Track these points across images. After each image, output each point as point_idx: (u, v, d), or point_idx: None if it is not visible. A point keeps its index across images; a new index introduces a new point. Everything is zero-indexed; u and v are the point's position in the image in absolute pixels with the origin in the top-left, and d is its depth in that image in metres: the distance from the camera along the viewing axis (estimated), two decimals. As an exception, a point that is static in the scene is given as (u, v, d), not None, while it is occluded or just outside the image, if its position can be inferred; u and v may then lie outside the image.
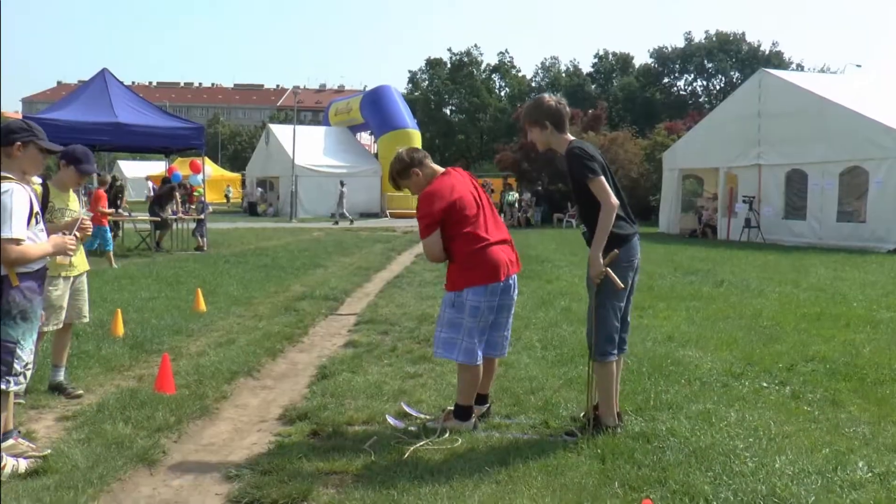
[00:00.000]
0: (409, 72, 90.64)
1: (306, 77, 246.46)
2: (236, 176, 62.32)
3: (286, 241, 23.68)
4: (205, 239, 20.08)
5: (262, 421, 5.79)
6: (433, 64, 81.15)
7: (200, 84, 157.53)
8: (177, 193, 20.88)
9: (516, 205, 36.87)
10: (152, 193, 30.03)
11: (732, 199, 26.50)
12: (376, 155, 45.90)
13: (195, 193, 23.94)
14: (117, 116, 17.99)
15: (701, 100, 75.73)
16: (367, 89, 48.48)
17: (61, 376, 6.36)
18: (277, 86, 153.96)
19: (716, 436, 5.02)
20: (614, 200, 4.90)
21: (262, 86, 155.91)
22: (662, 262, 17.11)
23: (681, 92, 77.75)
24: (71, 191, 6.36)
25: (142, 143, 20.22)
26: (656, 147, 37.14)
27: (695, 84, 78.27)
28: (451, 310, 5.25)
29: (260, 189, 48.06)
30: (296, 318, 9.97)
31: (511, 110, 65.33)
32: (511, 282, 5.40)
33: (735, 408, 5.70)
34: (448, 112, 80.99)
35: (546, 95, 5.27)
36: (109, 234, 16.01)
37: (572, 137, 5.21)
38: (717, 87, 75.64)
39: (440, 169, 5.50)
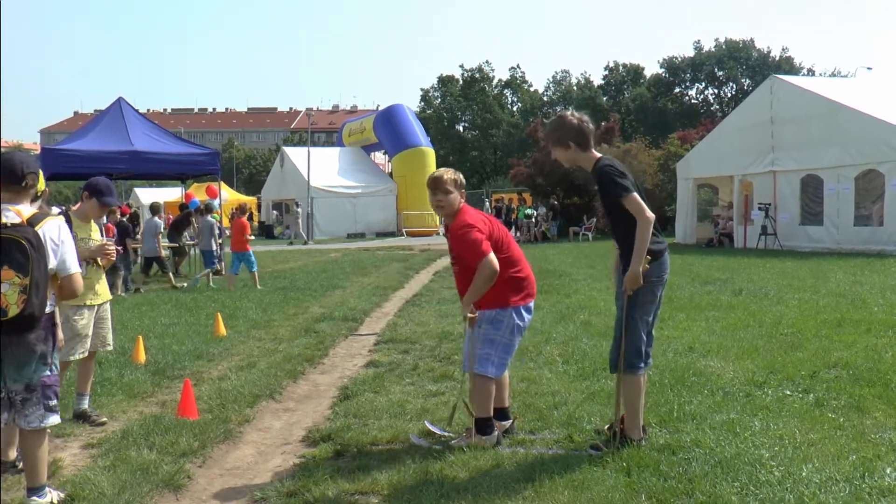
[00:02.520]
0: (422, 90, 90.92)
1: (319, 98, 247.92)
2: (252, 199, 62.63)
3: (303, 262, 23.75)
4: (222, 263, 20.14)
5: (286, 443, 5.80)
6: (445, 81, 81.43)
7: (214, 109, 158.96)
8: (193, 219, 20.98)
9: (533, 219, 36.82)
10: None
11: (748, 206, 26.38)
12: (391, 174, 46.03)
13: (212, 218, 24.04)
14: (133, 144, 18.12)
15: (713, 108, 75.57)
16: (380, 109, 48.68)
17: (86, 404, 6.41)
18: (291, 108, 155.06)
19: (741, 446, 4.99)
20: (650, 214, 4.90)
21: (276, 109, 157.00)
22: (680, 272, 17.03)
23: (692, 101, 77.60)
24: (92, 221, 6.43)
25: (158, 171, 20.33)
26: (670, 157, 37.01)
27: (706, 92, 78.13)
28: (489, 326, 5.33)
29: (276, 212, 48.30)
30: (316, 339, 9.99)
31: (524, 125, 65.37)
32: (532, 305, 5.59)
33: (759, 417, 5.67)
34: (461, 129, 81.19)
35: (568, 113, 5.23)
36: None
37: (598, 154, 5.19)
38: (729, 95, 75.45)
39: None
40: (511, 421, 5.65)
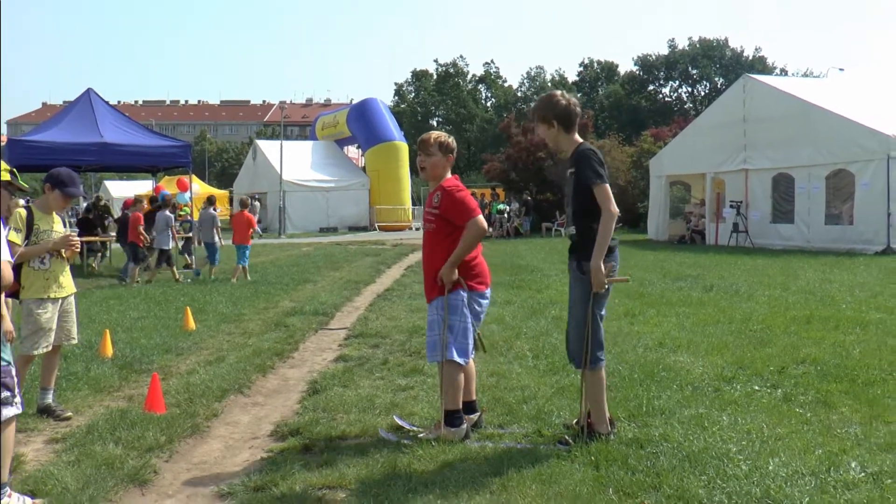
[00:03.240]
0: (396, 84, 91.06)
1: (293, 92, 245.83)
2: (224, 193, 62.21)
3: (274, 256, 23.63)
4: (192, 257, 20.00)
5: (254, 438, 5.76)
6: (419, 76, 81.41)
7: (186, 101, 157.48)
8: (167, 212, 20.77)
9: (505, 214, 36.89)
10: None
11: (720, 204, 26.61)
12: (364, 168, 45.92)
13: (181, 212, 23.87)
14: (103, 136, 17.95)
15: (686, 106, 76.14)
16: (354, 102, 48.54)
17: (50, 399, 6.33)
18: (264, 101, 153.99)
19: (709, 440, 5.03)
20: (615, 209, 4.91)
21: (249, 101, 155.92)
22: (652, 268, 17.15)
23: (666, 99, 78.17)
24: (55, 213, 6.33)
25: (128, 163, 20.20)
26: (643, 154, 37.25)
27: (680, 90, 78.76)
28: (440, 312, 5.34)
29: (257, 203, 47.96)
30: (286, 333, 9.95)
31: (498, 120, 65.49)
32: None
33: (727, 412, 5.71)
34: (435, 123, 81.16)
35: (558, 92, 5.22)
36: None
37: (581, 139, 5.20)
38: (702, 93, 76.08)
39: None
40: (479, 414, 5.66)
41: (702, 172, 27.41)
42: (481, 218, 5.28)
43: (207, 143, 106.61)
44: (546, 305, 11.56)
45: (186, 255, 19.97)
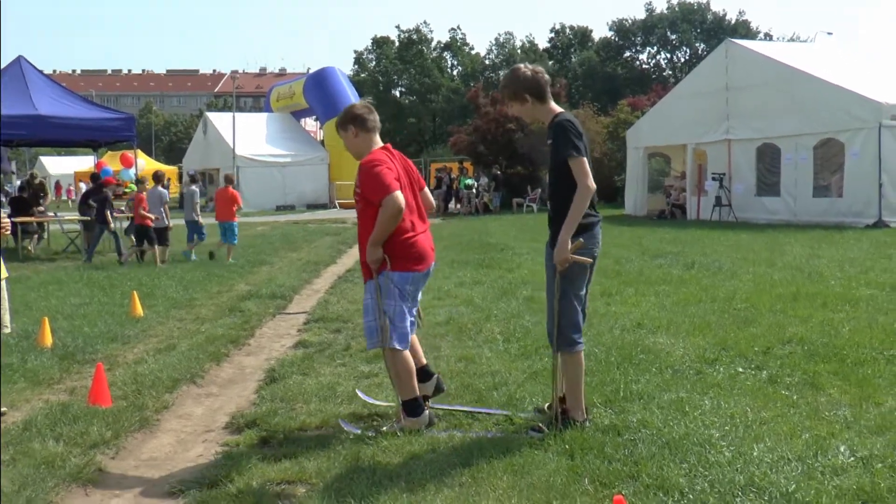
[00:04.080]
0: (355, 52, 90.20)
1: (245, 60, 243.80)
2: (172, 169, 61.59)
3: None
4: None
5: (208, 431, 5.73)
6: (380, 43, 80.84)
7: (130, 71, 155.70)
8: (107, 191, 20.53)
9: (474, 190, 36.89)
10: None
11: (701, 176, 26.82)
12: (322, 142, 45.63)
13: (127, 190, 23.61)
14: (37, 108, 17.66)
15: (665, 73, 76.46)
16: (311, 72, 48.15)
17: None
18: (214, 71, 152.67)
19: (690, 426, 5.07)
20: (591, 184, 4.93)
21: (198, 71, 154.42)
22: (629, 245, 17.24)
23: (643, 66, 78.38)
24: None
25: (66, 137, 19.92)
26: (619, 124, 37.38)
27: (658, 57, 79.01)
28: (374, 294, 5.32)
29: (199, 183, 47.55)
30: (241, 319, 9.90)
31: (465, 90, 65.29)
32: (431, 269, 5.57)
33: (709, 395, 5.77)
34: (398, 94, 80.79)
35: (521, 66, 5.23)
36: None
37: (558, 108, 5.21)
38: (682, 60, 76.41)
39: (379, 143, 5.55)
40: (435, 376, 5.69)
41: (682, 143, 27.57)
42: (397, 195, 5.13)
43: (153, 115, 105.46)
44: (518, 286, 11.59)
45: (132, 237, 19.72)
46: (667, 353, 7.11)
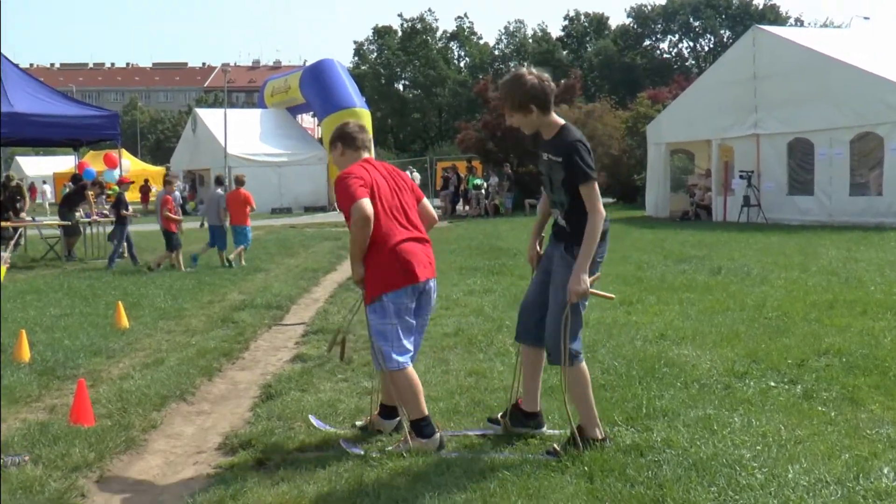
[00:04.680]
0: (355, 43, 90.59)
1: (237, 53, 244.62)
2: (159, 170, 61.78)
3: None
4: (129, 245, 19.81)
5: (199, 452, 5.73)
6: (382, 33, 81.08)
7: (113, 64, 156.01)
8: (88, 193, 20.59)
9: (483, 191, 36.88)
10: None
11: (728, 174, 26.77)
12: (321, 140, 45.65)
13: (110, 192, 23.68)
14: (13, 105, 17.70)
15: (688, 63, 76.51)
16: (308, 65, 48.22)
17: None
18: (204, 64, 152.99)
19: (718, 445, 5.05)
20: (603, 209, 5.03)
21: (186, 64, 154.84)
22: (651, 249, 17.22)
23: (664, 55, 78.47)
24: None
25: (45, 136, 19.95)
26: (639, 119, 37.33)
27: (680, 45, 79.13)
28: (374, 316, 5.39)
29: (186, 184, 47.55)
30: (234, 330, 9.90)
31: (472, 83, 65.37)
32: (431, 285, 5.58)
33: (739, 412, 5.75)
34: (401, 87, 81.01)
35: (525, 72, 5.16)
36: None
37: (561, 120, 5.22)
38: (706, 49, 76.44)
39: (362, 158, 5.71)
40: (397, 419, 5.77)
41: (707, 139, 27.54)
42: (362, 202, 5.20)
43: (139, 112, 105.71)
44: (532, 294, 11.55)
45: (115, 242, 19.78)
46: (692, 367, 7.09)
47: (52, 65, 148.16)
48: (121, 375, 7.74)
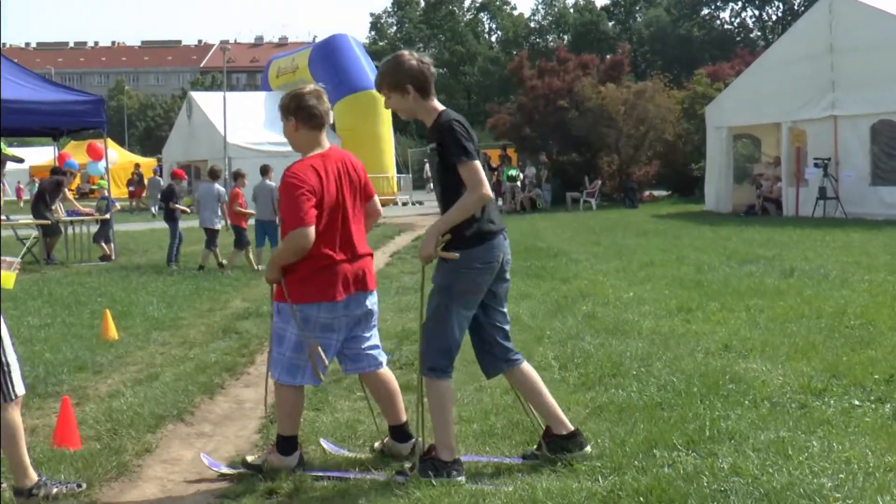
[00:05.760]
0: (371, 15, 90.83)
1: (237, 29, 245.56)
2: (150, 161, 62.23)
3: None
4: (111, 245, 19.98)
5: (200, 479, 5.76)
6: (402, 4, 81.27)
7: (97, 43, 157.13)
8: (65, 188, 20.69)
9: (518, 183, 36.85)
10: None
11: (800, 163, 26.59)
12: (333, 126, 45.78)
13: (95, 186, 23.85)
14: (-16, 90, 17.86)
15: (753, 35, 76.04)
16: (317, 41, 48.38)
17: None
18: (200, 41, 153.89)
19: (794, 473, 5.03)
20: (487, 192, 5.23)
21: (180, 42, 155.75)
22: (711, 248, 17.16)
23: (726, 26, 78.04)
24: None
25: (20, 124, 19.97)
26: (696, 99, 37.16)
27: (744, 14, 78.62)
28: (277, 317, 5.62)
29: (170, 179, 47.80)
30: (238, 342, 9.96)
31: (505, 60, 65.35)
32: (358, 298, 5.70)
33: (818, 435, 5.72)
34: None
35: (406, 53, 5.59)
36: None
37: (441, 107, 5.53)
38: (774, 18, 75.96)
39: (326, 145, 5.79)
40: (413, 441, 5.84)
41: (775, 122, 27.40)
42: (307, 232, 5.36)
43: (126, 96, 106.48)
44: (575, 300, 11.57)
45: (102, 244, 19.94)
46: (762, 383, 7.06)
47: (28, 45, 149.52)
48: (110, 393, 7.80)
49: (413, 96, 5.46)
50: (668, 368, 7.59)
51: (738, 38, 74.13)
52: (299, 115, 5.72)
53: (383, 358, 5.99)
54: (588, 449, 5.55)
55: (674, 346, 8.47)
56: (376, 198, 6.00)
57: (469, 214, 5.23)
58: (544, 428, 5.64)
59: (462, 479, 5.26)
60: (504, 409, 6.65)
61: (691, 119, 36.74)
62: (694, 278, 12.95)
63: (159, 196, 20.97)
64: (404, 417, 5.93)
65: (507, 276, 5.60)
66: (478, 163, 5.26)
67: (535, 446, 5.71)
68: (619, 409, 6.46)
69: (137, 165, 49.77)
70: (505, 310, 5.65)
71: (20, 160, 6.65)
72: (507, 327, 5.66)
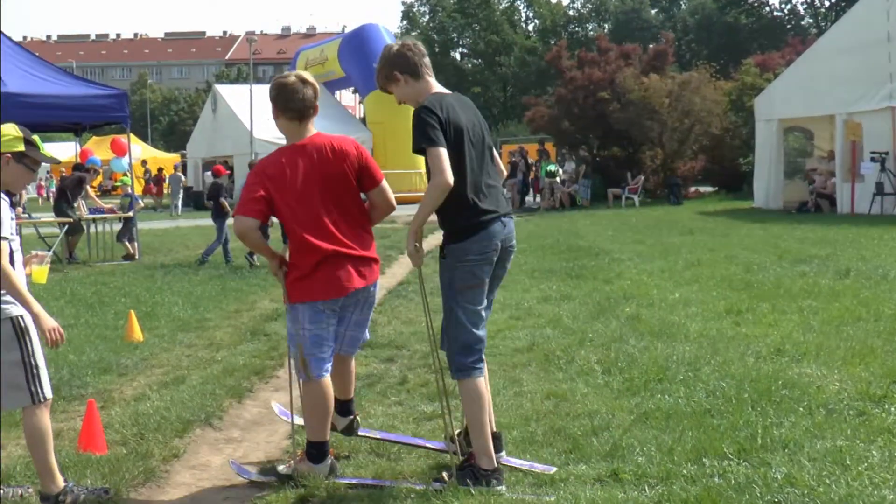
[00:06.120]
0: (403, 4, 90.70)
1: (263, 19, 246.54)
2: (174, 157, 62.64)
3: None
4: (135, 243, 20.10)
5: (230, 486, 5.80)
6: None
7: (119, 36, 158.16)
8: (87, 186, 20.84)
9: (557, 178, 36.76)
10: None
11: (856, 157, 26.38)
12: (363, 119, 45.87)
13: (118, 183, 24.00)
14: (6, 84, 17.96)
15: (804, 22, 75.49)
16: (347, 31, 48.47)
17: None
18: (225, 33, 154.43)
19: (853, 484, 5.01)
20: (448, 179, 5.23)
21: (204, 34, 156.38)
22: (762, 247, 17.06)
23: (775, 13, 77.53)
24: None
25: (41, 119, 20.08)
26: (745, 90, 36.96)
27: (795, 0, 78.05)
28: (287, 317, 5.75)
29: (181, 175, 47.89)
30: (267, 344, 10.00)
31: (543, 50, 65.24)
32: (359, 292, 5.84)
33: (878, 444, 5.69)
34: (458, 56, 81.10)
35: (390, 45, 5.80)
36: None
37: (438, 89, 5.70)
38: (827, 4, 75.37)
39: (309, 132, 5.76)
40: (352, 417, 6.05)
41: (829, 114, 27.19)
42: (239, 220, 5.55)
43: (149, 90, 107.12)
44: (618, 301, 11.54)
45: (126, 242, 20.06)
46: (817, 388, 7.02)
47: (49, 37, 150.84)
48: (135, 396, 7.87)
49: (404, 81, 5.64)
50: (716, 373, 7.55)
51: (788, 26, 73.64)
52: (278, 102, 5.74)
53: (367, 336, 6.22)
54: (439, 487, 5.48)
55: (723, 350, 8.43)
56: (387, 189, 5.96)
57: (435, 203, 5.30)
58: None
59: (502, 487, 5.26)
60: (545, 416, 6.65)
61: (739, 111, 36.54)
62: (743, 279, 12.88)
63: (206, 194, 21.07)
64: (352, 395, 6.15)
65: (508, 264, 5.77)
66: (440, 149, 5.27)
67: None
68: (665, 415, 6.43)
69: (161, 169, 49.93)
70: (492, 296, 5.80)
71: (57, 161, 6.70)
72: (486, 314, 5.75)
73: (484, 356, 5.58)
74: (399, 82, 5.64)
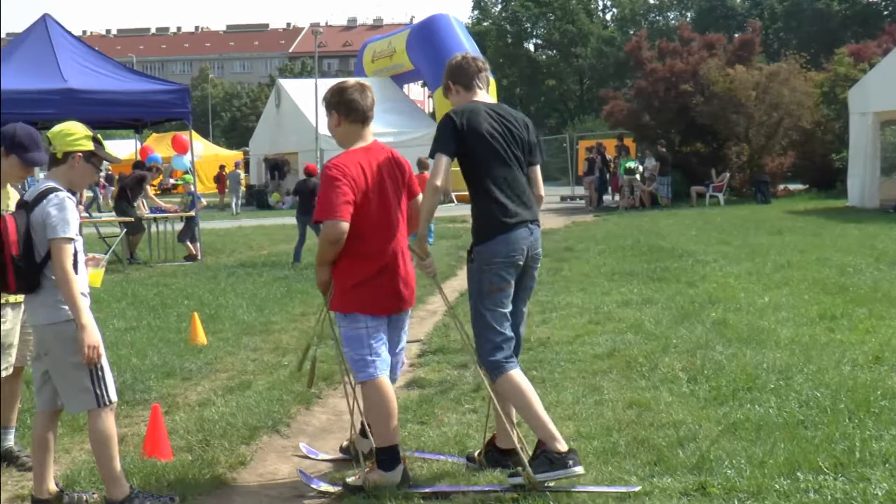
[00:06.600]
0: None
1: (329, 10, 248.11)
2: (236, 154, 63.24)
3: (313, 241, 23.86)
4: (197, 244, 20.31)
5: (299, 496, 5.85)
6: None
7: (179, 29, 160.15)
8: (148, 184, 21.09)
9: (637, 176, 36.52)
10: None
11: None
12: (433, 114, 45.91)
13: (179, 182, 24.22)
14: (67, 80, 18.20)
15: (902, 9, 74.23)
16: (416, 22, 48.56)
17: (11, 441, 6.49)
18: (289, 25, 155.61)
19: (963, 500, 4.93)
20: (434, 183, 5.65)
21: (268, 26, 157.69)
22: (857, 249, 16.84)
23: None
24: (9, 187, 6.44)
25: (102, 116, 20.39)
26: (838, 82, 36.47)
27: (892, -13, 76.83)
28: (345, 321, 5.82)
29: (271, 172, 48.38)
30: (334, 349, 10.00)
31: (622, 40, 64.89)
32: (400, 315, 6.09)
33: None
34: (531, 48, 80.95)
35: (457, 55, 6.17)
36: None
37: (485, 99, 6.04)
38: (926, -10, 74.12)
39: (370, 139, 6.00)
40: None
41: (930, 106, 26.80)
42: (339, 225, 5.56)
43: (210, 85, 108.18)
44: (703, 305, 11.45)
45: (188, 242, 20.27)
46: (920, 399, 6.92)
47: (108, 31, 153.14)
48: (200, 401, 7.98)
49: (456, 91, 6.10)
50: (810, 382, 7.46)
51: (885, 13, 72.46)
52: (340, 109, 5.94)
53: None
54: (519, 479, 5.55)
55: (816, 358, 8.33)
56: (420, 197, 6.09)
57: (431, 207, 5.77)
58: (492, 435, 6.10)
59: (580, 468, 5.38)
60: (628, 426, 6.62)
61: (832, 104, 36.07)
62: (837, 282, 12.72)
63: (292, 192, 21.33)
64: None
65: (535, 273, 5.99)
66: (442, 156, 5.69)
67: (477, 451, 6.07)
68: (755, 426, 6.38)
69: (223, 167, 50.30)
70: (524, 309, 6.09)
71: (118, 160, 6.84)
72: (520, 329, 6.07)
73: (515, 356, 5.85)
74: (452, 92, 6.11)
